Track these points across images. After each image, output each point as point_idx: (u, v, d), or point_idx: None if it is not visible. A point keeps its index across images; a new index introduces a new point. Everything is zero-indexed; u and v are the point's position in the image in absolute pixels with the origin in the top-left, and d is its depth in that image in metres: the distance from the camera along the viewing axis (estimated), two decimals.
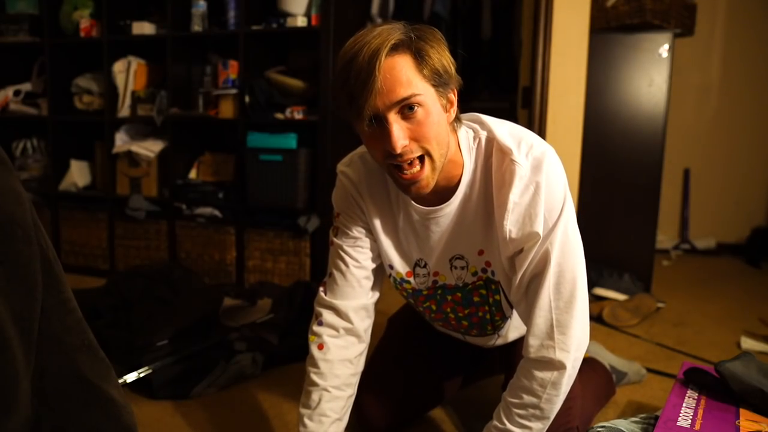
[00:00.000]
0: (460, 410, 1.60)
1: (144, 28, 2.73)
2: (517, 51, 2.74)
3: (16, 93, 3.03)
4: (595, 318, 2.32)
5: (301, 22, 2.45)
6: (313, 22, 2.43)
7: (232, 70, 2.60)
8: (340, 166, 1.26)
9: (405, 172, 1.03)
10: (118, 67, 2.79)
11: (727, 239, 3.67)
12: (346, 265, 1.25)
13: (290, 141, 2.47)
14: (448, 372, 1.52)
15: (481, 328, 1.31)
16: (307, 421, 1.19)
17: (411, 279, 1.27)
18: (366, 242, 1.25)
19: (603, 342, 1.98)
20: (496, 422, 1.12)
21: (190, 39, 2.71)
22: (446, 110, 1.05)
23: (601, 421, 1.41)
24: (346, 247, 1.25)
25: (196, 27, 2.63)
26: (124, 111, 2.82)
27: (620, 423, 1.19)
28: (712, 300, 2.61)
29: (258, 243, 2.62)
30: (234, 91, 2.58)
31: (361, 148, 1.23)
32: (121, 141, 2.83)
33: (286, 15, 2.48)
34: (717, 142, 3.70)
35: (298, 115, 2.46)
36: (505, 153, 1.07)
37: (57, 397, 0.60)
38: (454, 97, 1.06)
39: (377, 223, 1.23)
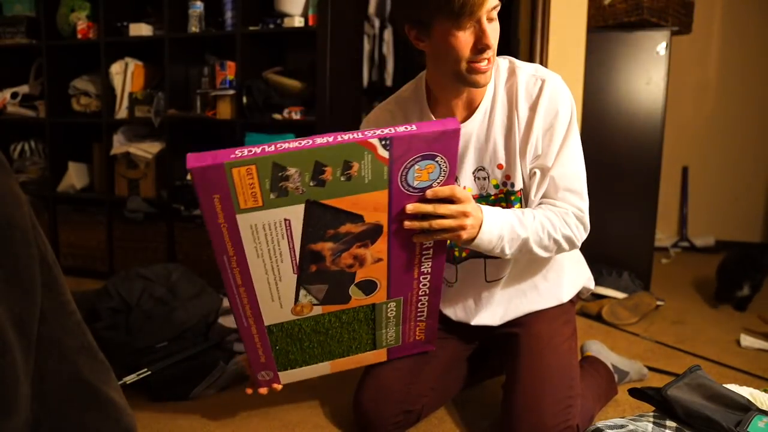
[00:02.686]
0: (461, 410, 1.60)
1: (141, 29, 2.72)
2: (514, 49, 2.74)
3: (14, 95, 3.02)
4: (595, 317, 2.32)
5: (298, 22, 2.44)
6: (310, 23, 2.42)
7: (229, 70, 2.60)
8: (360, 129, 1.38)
9: (484, 63, 1.18)
10: (116, 68, 2.79)
11: (725, 237, 3.67)
12: None
13: None
14: (450, 373, 1.52)
15: None
16: None
17: None
18: None
19: (602, 340, 1.98)
20: (518, 214, 1.24)
21: (187, 40, 2.71)
22: None
23: (601, 419, 1.41)
24: None
25: (193, 28, 2.63)
26: (122, 113, 2.82)
27: (620, 422, 1.19)
28: (712, 298, 2.61)
29: None
30: (231, 91, 2.57)
31: (373, 110, 1.43)
32: (119, 143, 2.83)
33: (283, 15, 2.48)
34: (715, 139, 3.71)
35: (296, 116, 2.46)
36: (528, 73, 1.28)
37: (57, 400, 0.60)
38: None
39: None
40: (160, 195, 2.80)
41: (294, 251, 1.13)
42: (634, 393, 1.27)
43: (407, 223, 1.13)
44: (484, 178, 1.33)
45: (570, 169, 1.29)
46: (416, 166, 1.08)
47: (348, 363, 1.44)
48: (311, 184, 1.04)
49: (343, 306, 1.28)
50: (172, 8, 2.65)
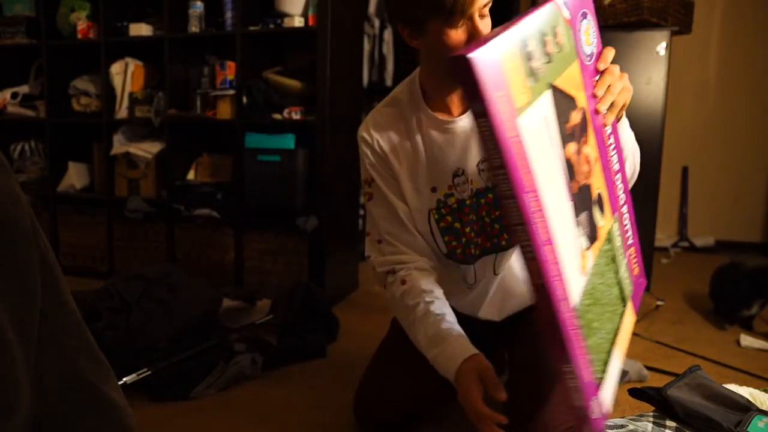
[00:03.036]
0: (461, 409, 1.60)
1: (141, 29, 2.72)
2: None
3: (14, 95, 3.02)
4: None
5: (298, 22, 2.44)
6: (310, 23, 2.42)
7: (229, 70, 2.60)
8: (359, 133, 1.37)
9: None
10: (116, 68, 2.79)
11: (725, 237, 3.67)
12: (399, 218, 1.34)
13: (288, 141, 2.47)
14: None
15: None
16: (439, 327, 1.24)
17: (453, 191, 1.33)
18: (403, 191, 1.35)
19: None
20: None
21: (187, 40, 2.71)
22: None
23: None
24: (391, 202, 1.34)
25: (193, 28, 2.63)
26: (122, 112, 2.82)
27: (620, 421, 1.19)
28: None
29: (256, 244, 2.62)
30: (231, 91, 2.57)
31: (371, 113, 1.39)
32: (119, 142, 2.83)
33: (283, 15, 2.48)
34: (715, 139, 3.71)
35: (296, 116, 2.46)
36: None
37: (56, 400, 0.60)
38: None
39: (405, 159, 1.33)
40: (160, 195, 2.80)
41: (562, 166, 0.82)
42: (634, 393, 1.27)
43: (602, 101, 0.99)
44: (489, 169, 1.32)
45: None
46: (582, 28, 0.93)
47: (622, 345, 1.03)
48: (545, 61, 0.80)
49: (596, 244, 0.92)
50: (172, 8, 2.64)
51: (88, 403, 0.63)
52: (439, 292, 1.31)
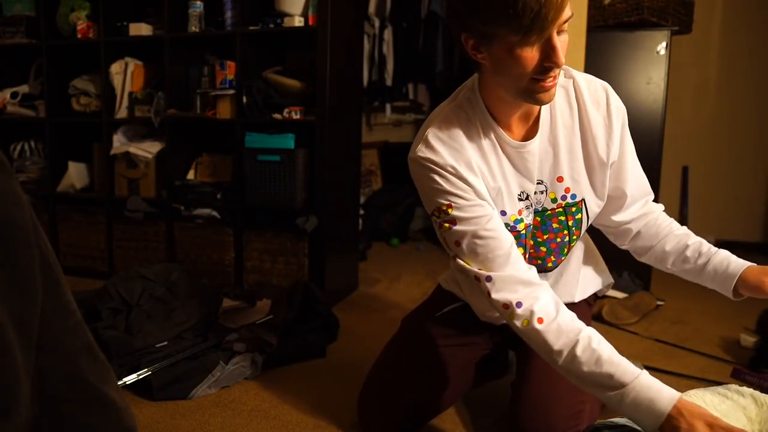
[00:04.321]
0: (462, 409, 1.60)
1: (141, 29, 2.72)
2: None
3: (14, 95, 3.02)
4: (595, 316, 2.33)
5: (298, 22, 2.44)
6: (311, 22, 2.42)
7: (229, 70, 2.60)
8: (421, 155, 1.19)
9: (550, 81, 1.08)
10: (116, 68, 2.79)
11: (726, 237, 3.67)
12: (495, 239, 1.16)
13: (288, 141, 2.47)
14: (458, 378, 1.50)
15: (559, 253, 1.34)
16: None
17: (522, 216, 1.26)
18: (490, 209, 1.19)
19: None
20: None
21: (187, 40, 2.71)
22: None
23: (602, 419, 1.41)
24: (478, 229, 1.16)
25: (193, 28, 2.63)
26: (122, 112, 2.82)
27: (621, 420, 1.19)
28: (712, 298, 2.60)
29: (256, 244, 2.62)
30: (231, 91, 2.57)
31: (423, 131, 1.22)
32: (119, 142, 2.83)
33: (283, 15, 2.48)
34: (715, 139, 3.71)
35: (296, 116, 2.46)
36: (586, 79, 1.25)
37: (57, 400, 0.60)
38: None
39: (481, 180, 1.19)
40: (160, 195, 2.80)
41: None
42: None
43: None
44: (542, 192, 1.26)
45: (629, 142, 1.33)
46: None
47: None
48: None
49: None
50: (172, 8, 2.64)
51: (88, 403, 0.63)
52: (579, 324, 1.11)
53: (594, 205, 1.29)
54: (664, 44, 2.50)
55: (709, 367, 1.89)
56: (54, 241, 2.98)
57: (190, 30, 2.63)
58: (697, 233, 1.39)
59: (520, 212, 1.26)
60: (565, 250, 1.34)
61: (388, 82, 3.69)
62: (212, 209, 2.70)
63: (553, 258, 1.33)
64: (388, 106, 3.91)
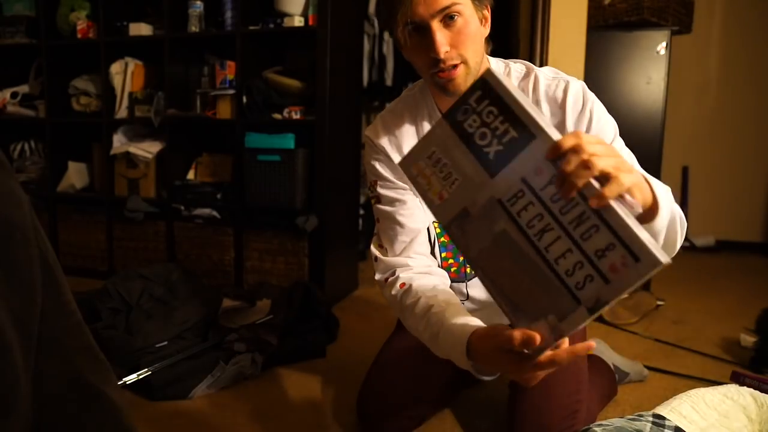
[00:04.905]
0: (461, 409, 1.60)
1: (141, 29, 2.72)
2: (514, 49, 2.74)
3: (14, 95, 3.02)
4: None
5: (298, 22, 2.44)
6: (311, 22, 2.42)
7: (229, 70, 2.60)
8: (365, 134, 1.33)
9: (445, 73, 1.10)
10: (116, 68, 2.79)
11: (726, 237, 3.67)
12: (410, 216, 1.27)
13: (288, 141, 2.47)
14: (456, 377, 1.51)
15: None
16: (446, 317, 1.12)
17: None
18: (411, 199, 1.27)
19: (603, 340, 1.98)
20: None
21: (187, 40, 2.71)
22: (482, 24, 1.13)
23: (601, 419, 1.41)
24: (394, 212, 1.27)
25: (193, 28, 2.63)
26: (122, 112, 2.82)
27: (618, 422, 1.19)
28: (712, 297, 2.62)
29: (256, 243, 2.62)
30: (231, 91, 2.57)
31: (381, 114, 1.33)
32: (119, 142, 2.83)
33: (283, 15, 2.48)
34: (715, 139, 3.71)
35: (296, 116, 2.46)
36: (549, 76, 1.21)
37: (56, 399, 0.60)
38: (488, 13, 1.15)
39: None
40: (160, 195, 2.80)
41: None
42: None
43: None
44: None
45: (626, 152, 1.20)
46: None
47: None
48: None
49: None
50: (172, 8, 2.64)
51: (87, 403, 0.63)
52: (440, 287, 1.23)
53: None
54: (664, 44, 2.50)
55: (709, 367, 1.89)
56: (54, 241, 2.98)
57: (190, 30, 2.63)
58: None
59: None
60: None
61: (388, 82, 3.69)
62: (212, 209, 2.70)
63: None
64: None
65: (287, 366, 1.90)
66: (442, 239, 1.30)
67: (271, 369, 1.87)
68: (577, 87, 1.19)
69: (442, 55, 1.07)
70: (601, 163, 0.76)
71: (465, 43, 1.09)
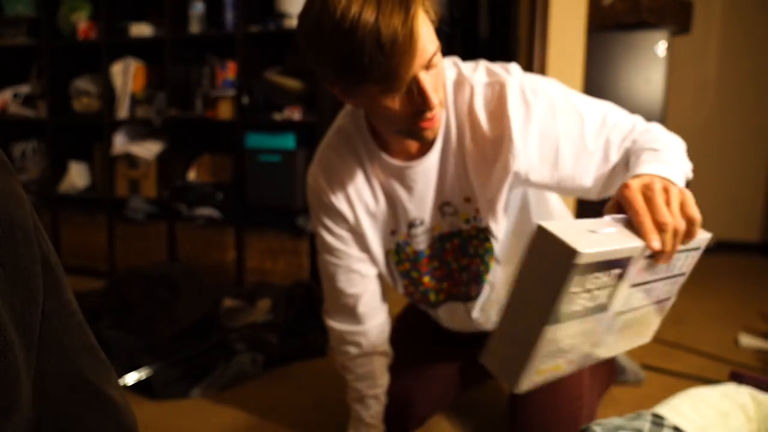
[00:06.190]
0: (460, 409, 1.61)
1: (142, 29, 2.73)
2: (514, 49, 2.74)
3: (15, 95, 3.03)
4: None
5: None
6: None
7: (229, 71, 2.60)
8: (308, 180, 1.24)
9: (427, 122, 0.97)
10: (117, 68, 2.80)
11: (725, 237, 3.67)
12: (348, 281, 1.22)
13: (288, 141, 2.47)
14: (456, 380, 1.51)
15: (479, 281, 1.22)
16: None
17: (410, 241, 1.20)
18: (353, 245, 1.21)
19: None
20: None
21: (187, 40, 2.71)
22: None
23: (600, 418, 1.41)
24: (339, 263, 1.21)
25: (194, 28, 2.63)
26: (123, 113, 2.82)
27: (617, 421, 1.20)
28: (711, 297, 2.62)
29: (257, 243, 2.62)
30: (232, 92, 2.58)
31: (320, 151, 1.23)
32: (120, 142, 2.83)
33: (284, 15, 2.48)
34: (714, 139, 3.71)
35: (296, 116, 2.47)
36: (481, 82, 1.07)
37: (58, 399, 0.60)
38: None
39: (362, 207, 1.17)
40: (161, 195, 2.81)
41: None
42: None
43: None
44: (453, 214, 1.16)
45: (596, 118, 1.06)
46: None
47: None
48: None
49: None
50: (172, 8, 2.65)
51: (88, 403, 0.64)
52: (376, 389, 1.31)
53: (501, 231, 1.14)
54: (663, 45, 2.50)
55: (709, 367, 1.89)
56: (55, 240, 2.99)
57: (190, 30, 2.64)
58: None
59: (404, 235, 1.19)
60: (484, 277, 1.21)
61: None
62: (213, 209, 2.70)
63: (474, 286, 1.23)
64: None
65: (287, 366, 1.91)
66: (400, 268, 1.24)
67: (271, 368, 1.87)
68: (515, 92, 1.04)
69: (436, 104, 0.95)
70: (679, 221, 0.76)
71: (442, 83, 1.00)
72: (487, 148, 1.06)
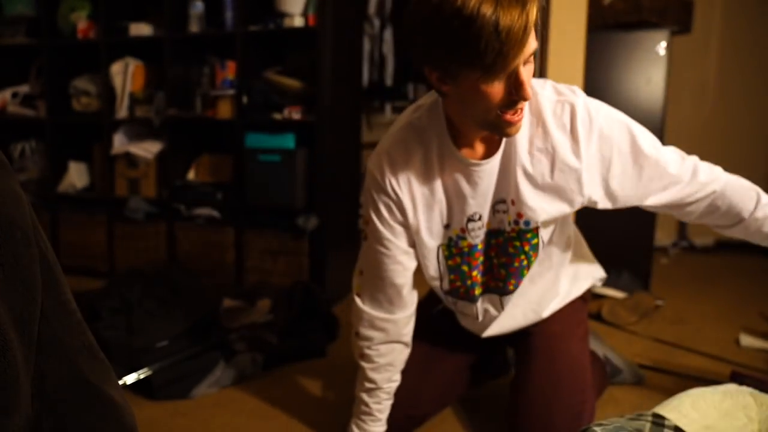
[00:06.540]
0: (461, 409, 1.60)
1: (141, 29, 2.72)
2: None
3: (14, 95, 3.03)
4: (594, 316, 2.33)
5: (298, 22, 2.44)
6: (310, 22, 2.42)
7: (229, 70, 2.60)
8: (370, 167, 1.27)
9: (517, 115, 1.06)
10: (116, 68, 2.79)
11: (725, 237, 3.67)
12: (392, 272, 1.29)
13: (288, 141, 2.47)
14: (456, 378, 1.50)
15: (518, 276, 1.31)
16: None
17: (466, 235, 1.27)
18: (403, 239, 1.27)
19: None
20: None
21: (187, 40, 2.71)
22: None
23: (600, 418, 1.41)
24: (387, 253, 1.27)
25: (194, 28, 2.63)
26: (122, 112, 2.82)
27: (617, 421, 1.19)
28: (711, 298, 2.62)
29: (257, 243, 2.62)
30: (231, 91, 2.58)
31: (386, 144, 1.25)
32: (120, 142, 2.83)
33: (283, 15, 2.48)
34: (715, 139, 3.71)
35: (296, 115, 2.46)
36: (551, 99, 1.17)
37: (57, 399, 0.60)
38: None
39: (421, 201, 1.24)
40: (160, 194, 2.81)
41: None
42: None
43: None
44: (504, 212, 1.24)
45: (671, 168, 1.33)
46: None
47: None
48: None
49: None
50: (172, 8, 2.64)
51: (88, 403, 0.63)
52: (390, 383, 1.37)
53: (545, 234, 1.27)
54: (663, 44, 2.50)
55: (708, 367, 1.89)
56: (54, 240, 2.98)
57: (190, 30, 2.64)
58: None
59: (463, 231, 1.26)
60: (524, 272, 1.31)
61: (388, 82, 3.69)
62: (212, 209, 2.70)
63: (513, 281, 1.31)
64: (388, 106, 3.91)
65: (287, 366, 1.91)
66: (450, 263, 1.30)
67: (271, 369, 1.87)
68: (582, 111, 1.16)
69: (530, 95, 1.02)
70: None
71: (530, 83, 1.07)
72: (548, 164, 1.18)
